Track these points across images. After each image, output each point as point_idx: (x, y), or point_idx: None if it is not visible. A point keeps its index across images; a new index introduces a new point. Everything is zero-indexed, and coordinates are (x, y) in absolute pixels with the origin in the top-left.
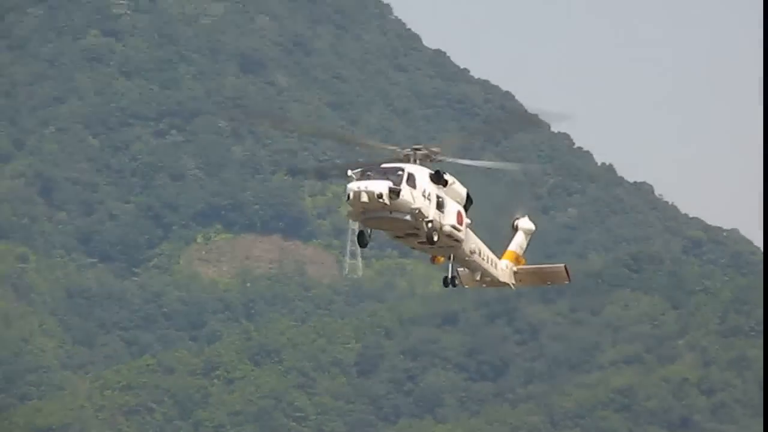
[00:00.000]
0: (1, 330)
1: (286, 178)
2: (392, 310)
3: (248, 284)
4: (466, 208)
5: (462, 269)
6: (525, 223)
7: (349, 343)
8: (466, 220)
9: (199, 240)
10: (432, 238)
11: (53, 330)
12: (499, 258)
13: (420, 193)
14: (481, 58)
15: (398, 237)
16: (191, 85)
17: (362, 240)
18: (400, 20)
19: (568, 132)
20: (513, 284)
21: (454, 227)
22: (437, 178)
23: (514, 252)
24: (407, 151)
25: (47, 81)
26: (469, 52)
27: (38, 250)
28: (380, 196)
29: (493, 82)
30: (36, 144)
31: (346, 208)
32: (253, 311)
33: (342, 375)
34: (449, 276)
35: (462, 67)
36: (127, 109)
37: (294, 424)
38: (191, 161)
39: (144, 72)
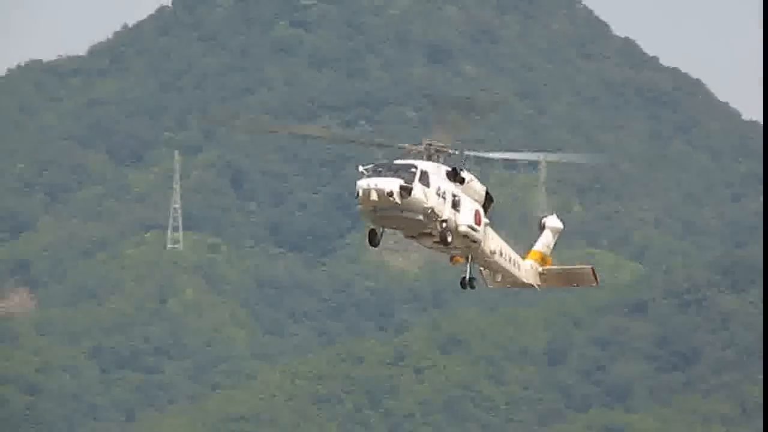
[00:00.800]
0: (193, 320)
1: None
2: (581, 299)
3: (436, 274)
4: (485, 206)
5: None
6: (553, 222)
7: (537, 333)
8: (484, 220)
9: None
10: (446, 238)
11: (244, 320)
12: (524, 257)
13: (434, 191)
14: (670, 46)
15: (412, 236)
16: (379, 75)
17: (373, 239)
18: (587, 8)
19: (759, 120)
20: (538, 285)
21: (470, 227)
22: (454, 176)
23: (540, 252)
24: (420, 147)
25: (237, 72)
26: (658, 40)
27: (229, 241)
28: (391, 194)
29: (683, 69)
30: (226, 135)
31: (357, 206)
32: (441, 301)
33: (531, 365)
34: (467, 277)
35: (651, 54)
36: (315, 100)
37: (483, 413)
38: (379, 151)
39: (332, 62)
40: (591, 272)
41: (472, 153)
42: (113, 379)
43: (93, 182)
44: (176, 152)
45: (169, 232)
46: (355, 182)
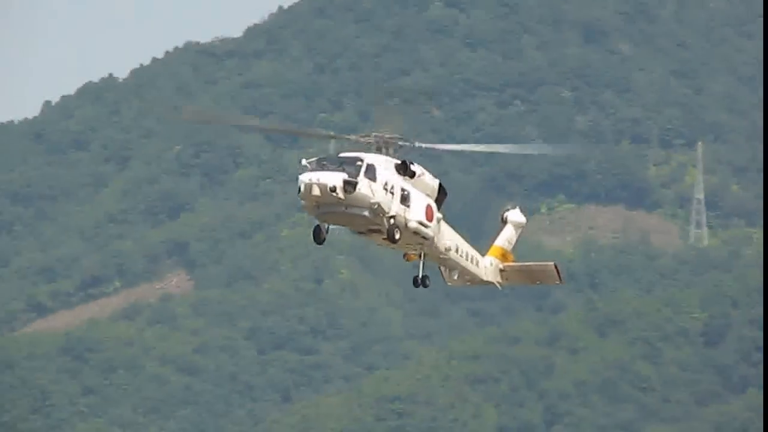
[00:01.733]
0: (349, 300)
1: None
2: (739, 279)
3: (592, 254)
4: (439, 201)
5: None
6: (515, 216)
7: (695, 313)
8: (437, 215)
9: (542, 210)
10: (393, 235)
11: (399, 300)
12: (484, 254)
13: (380, 185)
14: None
15: (360, 233)
16: (534, 56)
17: (317, 236)
18: None
19: None
20: (499, 283)
21: (420, 223)
22: (403, 169)
23: (501, 248)
24: (369, 138)
25: (392, 53)
26: None
27: None
28: (333, 189)
29: None
30: (381, 116)
31: (300, 202)
32: (597, 281)
33: (688, 345)
34: (419, 275)
35: None
36: (470, 80)
37: (640, 394)
38: (534, 131)
39: (487, 43)
40: (554, 269)
41: (423, 145)
42: (269, 360)
43: (249, 164)
44: (331, 132)
45: None
46: (298, 177)
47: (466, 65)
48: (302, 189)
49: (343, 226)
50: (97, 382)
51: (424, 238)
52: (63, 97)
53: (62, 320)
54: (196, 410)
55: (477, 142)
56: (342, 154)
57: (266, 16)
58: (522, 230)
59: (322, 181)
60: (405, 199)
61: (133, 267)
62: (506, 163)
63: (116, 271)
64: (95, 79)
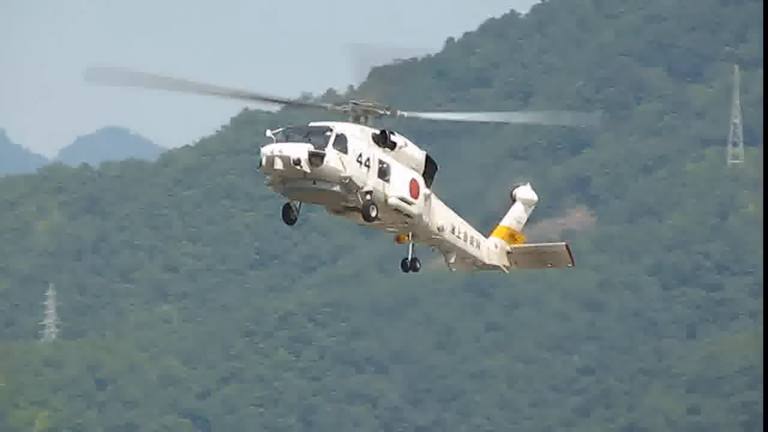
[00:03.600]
0: (754, 235)
1: None
2: None
3: None
4: (428, 174)
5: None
6: (525, 193)
7: None
8: (424, 191)
9: None
10: (369, 213)
11: None
12: (488, 235)
13: (353, 157)
14: None
15: (336, 212)
16: None
17: (287, 215)
18: None
19: None
20: (505, 267)
21: (402, 199)
22: (382, 140)
23: (508, 228)
24: (345, 106)
25: None
26: None
27: None
28: (297, 162)
29: None
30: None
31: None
32: None
33: None
34: (408, 258)
35: None
36: None
37: None
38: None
39: None
40: (565, 250)
41: (407, 113)
42: (674, 296)
43: (651, 98)
44: (736, 67)
45: (728, 147)
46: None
47: None
48: (263, 162)
49: (314, 203)
50: (501, 318)
51: (407, 216)
52: (465, 33)
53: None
54: (599, 346)
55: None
56: (311, 124)
57: None
58: (533, 209)
59: (285, 153)
60: (384, 173)
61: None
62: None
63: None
64: (497, 15)
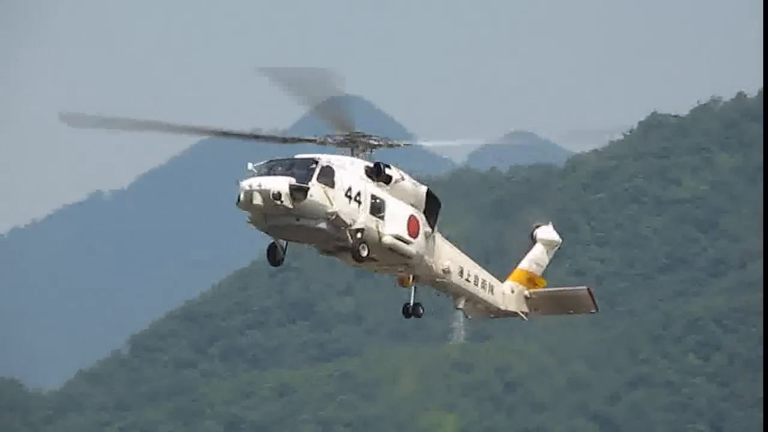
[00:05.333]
0: None
1: None
2: None
3: None
4: (430, 211)
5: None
6: (546, 233)
7: None
8: (425, 229)
9: None
10: (358, 252)
11: None
12: (504, 279)
13: (341, 192)
14: None
15: (327, 252)
16: None
17: (273, 256)
18: None
19: None
20: (524, 313)
21: (399, 238)
22: (376, 173)
23: (526, 271)
24: (355, 136)
25: None
26: None
27: None
28: (277, 196)
29: None
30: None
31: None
32: None
33: None
34: (411, 303)
35: None
36: None
37: None
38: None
39: None
40: (587, 295)
41: (403, 143)
42: None
43: None
44: None
45: None
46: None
47: None
48: (241, 198)
49: (300, 242)
50: None
51: (405, 256)
52: None
53: None
54: None
55: None
56: (298, 156)
57: None
58: (555, 251)
59: (264, 187)
60: (377, 209)
61: None
62: None
63: None
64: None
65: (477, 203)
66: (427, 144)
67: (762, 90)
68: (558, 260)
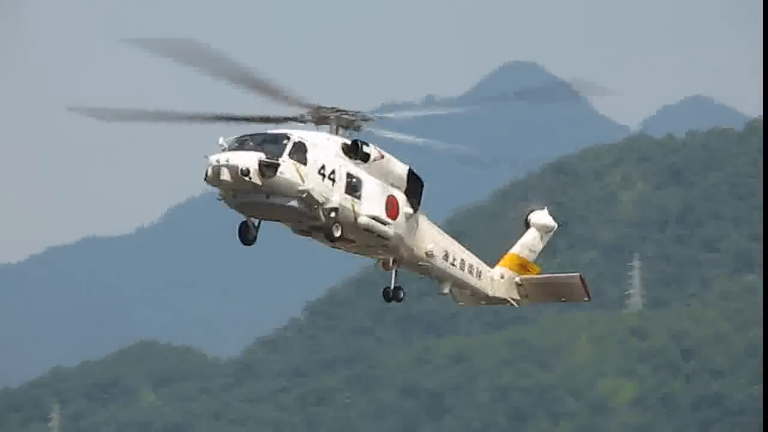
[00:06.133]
0: None
1: None
2: None
3: None
4: (412, 192)
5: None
6: (541, 218)
7: None
8: (406, 210)
9: None
10: (331, 232)
11: None
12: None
13: (313, 169)
14: None
15: (302, 231)
16: None
17: (245, 235)
18: None
19: None
20: (514, 300)
21: (375, 218)
22: (354, 151)
23: (518, 256)
24: (323, 111)
25: None
26: None
27: None
28: (246, 172)
29: None
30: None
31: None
32: None
33: None
34: (391, 287)
35: None
36: None
37: None
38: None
39: None
40: (580, 282)
41: (376, 116)
42: None
43: None
44: None
45: None
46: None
47: None
48: (208, 173)
49: (271, 220)
50: None
51: (383, 238)
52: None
53: None
54: None
55: None
56: (270, 131)
57: None
58: (550, 237)
59: (232, 162)
60: (353, 188)
61: None
62: None
63: None
64: None
65: (654, 169)
66: (397, 117)
67: None
68: (735, 225)
